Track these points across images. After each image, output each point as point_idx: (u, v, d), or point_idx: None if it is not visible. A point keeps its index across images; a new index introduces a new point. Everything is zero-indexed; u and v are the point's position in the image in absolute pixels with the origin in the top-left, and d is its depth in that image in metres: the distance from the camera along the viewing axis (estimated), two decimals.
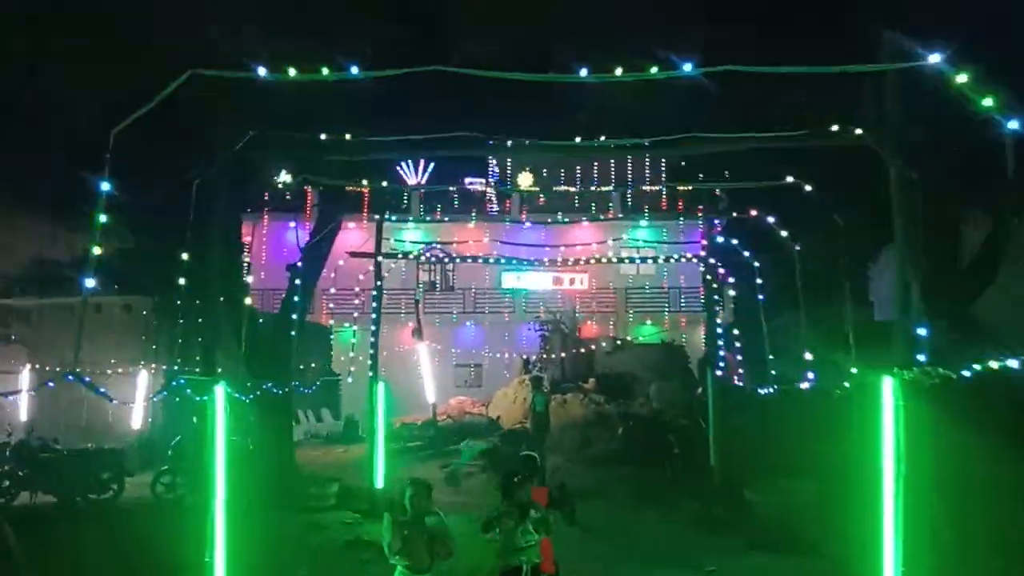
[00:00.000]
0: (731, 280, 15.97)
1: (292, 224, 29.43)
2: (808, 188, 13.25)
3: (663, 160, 32.77)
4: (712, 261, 14.60)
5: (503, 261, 21.89)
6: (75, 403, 22.36)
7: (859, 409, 12.21)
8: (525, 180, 33.22)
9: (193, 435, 19.23)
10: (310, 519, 11.72)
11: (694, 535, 10.45)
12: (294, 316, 14.86)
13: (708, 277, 12.63)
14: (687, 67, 7.65)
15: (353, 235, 32.42)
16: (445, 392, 26.86)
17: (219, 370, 11.75)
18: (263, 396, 14.18)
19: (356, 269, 30.76)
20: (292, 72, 7.75)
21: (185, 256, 10.28)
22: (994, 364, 6.45)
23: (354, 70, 8.00)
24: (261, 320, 16.23)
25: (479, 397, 26.86)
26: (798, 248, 19.74)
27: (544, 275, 31.97)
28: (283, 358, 14.40)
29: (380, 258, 14.38)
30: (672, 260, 24.93)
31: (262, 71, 7.77)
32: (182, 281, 10.82)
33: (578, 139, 11.28)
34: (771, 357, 14.92)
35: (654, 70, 7.67)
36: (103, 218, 8.33)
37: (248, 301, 14.22)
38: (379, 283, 12.53)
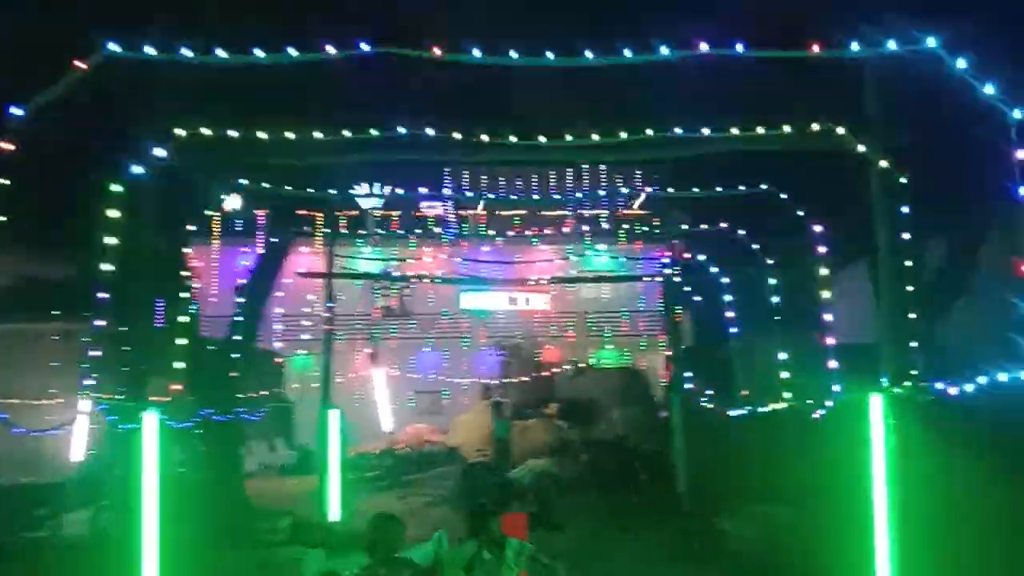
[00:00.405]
0: (695, 298, 15.64)
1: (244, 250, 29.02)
2: (783, 196, 12.97)
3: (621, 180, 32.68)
4: (674, 279, 14.25)
5: (462, 280, 21.28)
6: (12, 436, 21.15)
7: (838, 430, 11.92)
8: (480, 206, 32.86)
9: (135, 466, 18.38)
10: (260, 556, 10.96)
11: (666, 567, 9.94)
12: (242, 340, 14.13)
13: (670, 295, 12.24)
14: (663, 50, 7.24)
15: (307, 260, 31.90)
16: (403, 420, 26.15)
17: (151, 397, 11.00)
18: (209, 425, 13.43)
19: (310, 293, 30.16)
20: (222, 54, 7.17)
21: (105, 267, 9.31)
22: (1003, 377, 6.09)
23: (292, 52, 7.44)
24: (209, 346, 15.42)
25: (438, 424, 26.16)
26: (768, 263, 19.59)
27: (503, 295, 31.52)
28: (229, 384, 13.66)
29: (332, 279, 13.67)
30: (638, 277, 24.65)
31: (187, 52, 7.18)
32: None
33: (542, 138, 10.78)
34: (738, 377, 14.58)
35: (627, 53, 7.27)
36: None
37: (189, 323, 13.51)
38: (330, 304, 11.92)
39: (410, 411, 29.24)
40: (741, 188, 12.23)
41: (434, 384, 30.51)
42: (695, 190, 12.73)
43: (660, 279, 20.77)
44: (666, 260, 33.45)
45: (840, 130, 8.20)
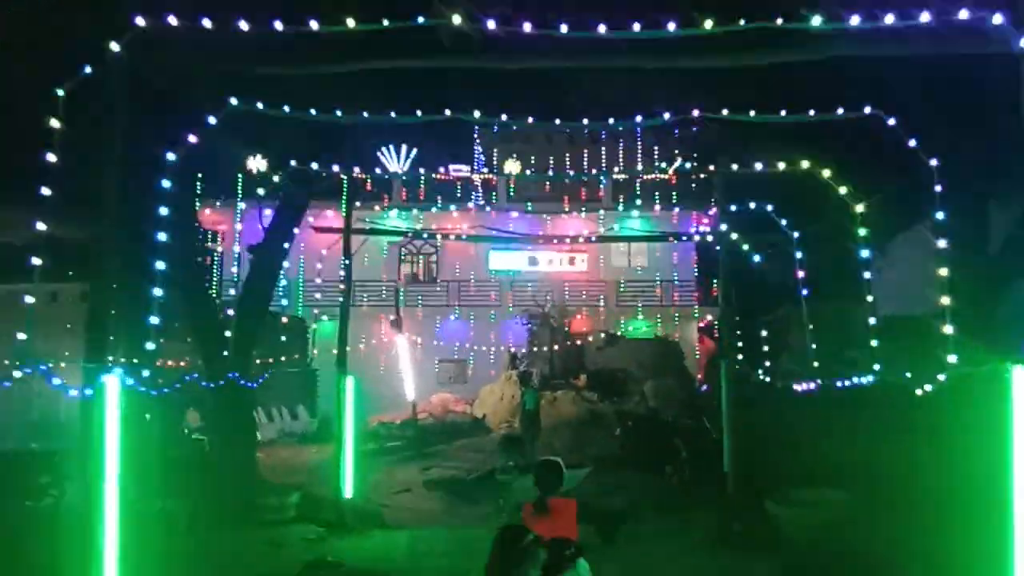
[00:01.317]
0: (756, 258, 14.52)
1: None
2: (827, 173, 11.81)
3: (656, 148, 31.37)
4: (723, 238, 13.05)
5: (493, 239, 20.27)
6: (25, 399, 20.72)
7: (912, 408, 10.83)
8: (512, 167, 31.72)
9: (145, 433, 17.72)
10: (265, 535, 10.14)
11: (714, 557, 8.93)
12: (255, 303, 13.25)
13: (720, 253, 11.10)
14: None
15: (331, 224, 31.06)
16: (427, 389, 25.37)
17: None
18: (220, 391, 12.62)
19: (338, 262, 29.33)
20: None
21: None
22: None
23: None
24: (227, 308, 14.58)
25: (463, 394, 25.35)
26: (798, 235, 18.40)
27: (537, 254, 30.50)
28: (243, 349, 12.81)
29: (352, 236, 12.65)
30: (674, 241, 23.44)
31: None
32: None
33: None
34: (813, 347, 13.49)
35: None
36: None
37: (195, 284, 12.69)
38: (347, 262, 10.96)
39: (435, 380, 28.52)
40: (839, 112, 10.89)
41: (460, 352, 29.68)
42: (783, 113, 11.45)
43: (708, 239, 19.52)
44: (704, 227, 32.53)
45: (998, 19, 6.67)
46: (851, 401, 14.99)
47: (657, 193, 30.77)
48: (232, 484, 11.76)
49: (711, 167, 11.05)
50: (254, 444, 13.32)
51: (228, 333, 12.92)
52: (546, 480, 5.12)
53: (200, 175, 24.84)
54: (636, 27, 6.26)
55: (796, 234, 11.25)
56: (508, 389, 21.85)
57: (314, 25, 6.59)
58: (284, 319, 26.38)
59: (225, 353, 12.62)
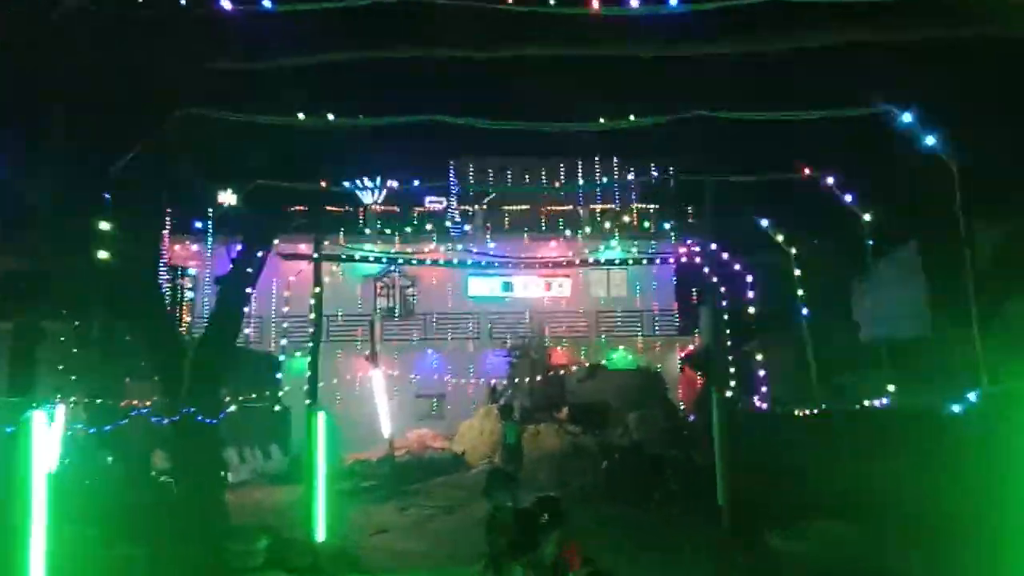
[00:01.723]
0: (722, 289, 14.11)
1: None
2: (830, 181, 11.49)
3: (633, 174, 31.18)
4: (710, 264, 12.67)
5: (471, 264, 19.82)
6: None
7: (920, 433, 10.39)
8: (488, 200, 31.36)
9: (106, 478, 16.89)
10: None
11: None
12: (220, 337, 12.62)
13: (709, 274, 10.62)
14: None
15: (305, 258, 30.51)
16: (405, 425, 24.65)
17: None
18: (184, 430, 11.94)
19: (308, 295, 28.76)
20: None
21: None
22: None
23: None
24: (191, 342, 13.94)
25: (442, 430, 24.66)
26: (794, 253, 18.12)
27: (517, 279, 30.01)
28: (208, 384, 12.14)
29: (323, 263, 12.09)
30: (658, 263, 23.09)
31: None
32: None
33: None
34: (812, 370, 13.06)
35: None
36: None
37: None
38: (318, 289, 10.40)
39: (412, 415, 27.81)
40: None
41: (438, 387, 29.03)
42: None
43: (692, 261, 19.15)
44: (684, 251, 32.29)
45: None
46: (852, 427, 14.55)
47: (634, 223, 30.50)
48: (198, 529, 11.05)
49: (698, 177, 10.61)
50: (222, 485, 12.62)
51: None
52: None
53: (168, 210, 24.38)
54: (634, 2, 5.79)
55: (793, 251, 10.87)
56: (488, 423, 21.24)
57: None
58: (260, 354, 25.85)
59: (188, 388, 11.97)
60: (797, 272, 16.08)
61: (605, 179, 29.87)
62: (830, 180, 11.56)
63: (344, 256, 19.76)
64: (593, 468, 15.74)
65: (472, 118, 9.83)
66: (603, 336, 30.16)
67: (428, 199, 31.14)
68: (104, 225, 7.53)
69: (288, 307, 26.92)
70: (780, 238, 10.35)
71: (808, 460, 13.39)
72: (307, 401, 10.76)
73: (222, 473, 12.37)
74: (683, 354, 31.33)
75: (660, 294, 30.89)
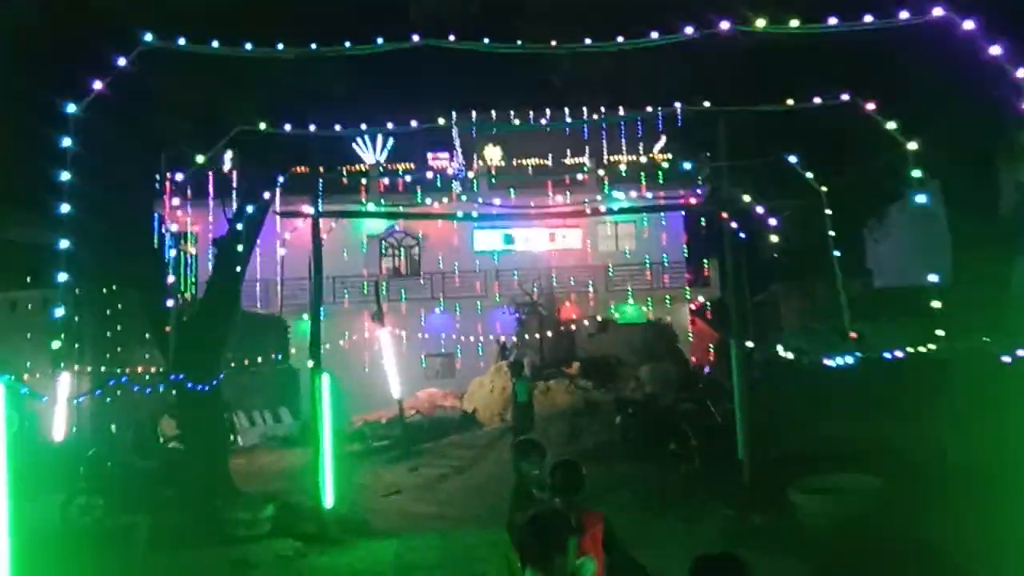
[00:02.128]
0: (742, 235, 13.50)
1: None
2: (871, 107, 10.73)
3: (640, 127, 30.41)
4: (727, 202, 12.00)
5: (477, 217, 19.31)
6: None
7: (953, 384, 9.96)
8: (493, 153, 30.72)
9: (112, 446, 16.66)
10: (234, 553, 9.14)
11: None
12: (220, 299, 12.23)
13: (725, 219, 9.93)
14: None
15: (309, 222, 30.00)
16: (414, 384, 24.38)
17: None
18: (188, 394, 11.64)
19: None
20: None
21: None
22: None
23: None
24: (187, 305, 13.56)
25: (452, 388, 24.38)
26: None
27: (524, 231, 29.49)
28: (211, 348, 11.80)
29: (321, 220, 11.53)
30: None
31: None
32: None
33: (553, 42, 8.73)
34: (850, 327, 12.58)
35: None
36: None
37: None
38: (318, 242, 9.93)
39: (422, 375, 27.56)
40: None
41: (447, 345, 28.71)
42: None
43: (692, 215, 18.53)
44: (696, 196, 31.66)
45: None
46: (877, 378, 14.13)
47: (643, 173, 29.76)
48: (202, 496, 10.79)
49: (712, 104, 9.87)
50: (226, 450, 12.34)
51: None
52: (569, 485, 4.17)
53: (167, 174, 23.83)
54: None
55: (824, 189, 10.21)
56: (499, 380, 20.92)
57: None
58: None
59: (181, 354, 11.62)
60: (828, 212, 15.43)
61: (614, 122, 28.97)
62: (870, 106, 10.76)
63: (343, 212, 19.11)
64: (607, 424, 15.40)
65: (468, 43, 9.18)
66: (612, 290, 29.72)
67: (430, 155, 30.53)
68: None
69: (295, 269, 26.50)
70: (810, 175, 9.71)
71: (823, 412, 13.00)
72: (310, 363, 10.30)
73: (230, 437, 12.05)
74: (693, 306, 30.95)
75: (669, 245, 30.35)
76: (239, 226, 12.42)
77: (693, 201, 31.12)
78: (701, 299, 30.73)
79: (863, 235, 28.14)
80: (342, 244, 29.44)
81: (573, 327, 24.79)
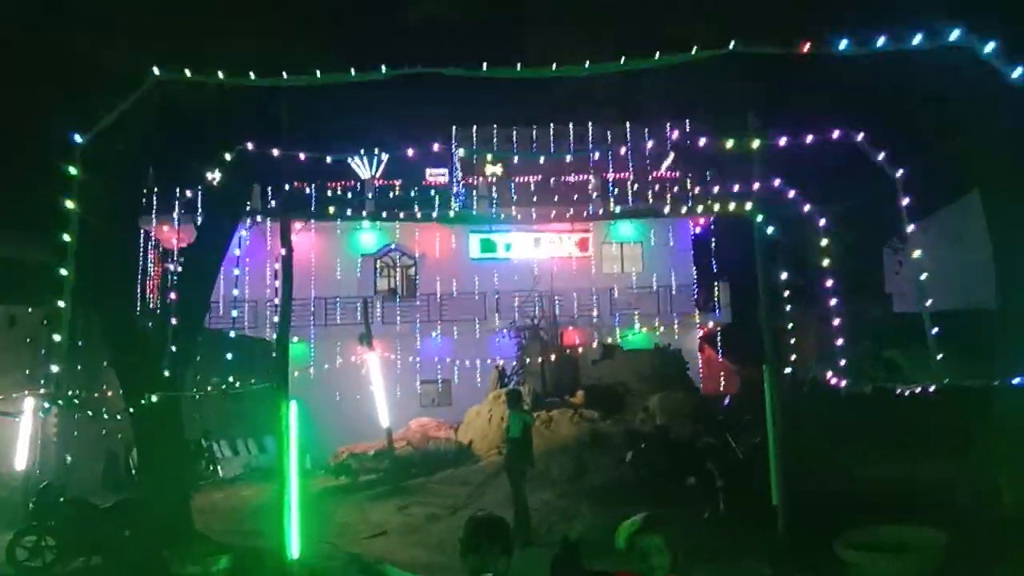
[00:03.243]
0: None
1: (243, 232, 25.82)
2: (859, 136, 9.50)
3: (648, 144, 29.17)
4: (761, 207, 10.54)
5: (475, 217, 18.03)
6: None
7: None
8: (493, 170, 29.47)
9: (67, 479, 15.23)
10: None
11: None
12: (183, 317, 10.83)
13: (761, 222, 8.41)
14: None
15: (300, 237, 28.71)
16: (408, 413, 22.96)
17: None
18: (143, 421, 10.24)
19: (307, 277, 26.99)
20: None
21: None
22: None
23: None
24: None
25: (448, 418, 22.90)
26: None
27: (527, 236, 28.18)
28: (171, 367, 10.40)
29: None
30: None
31: None
32: None
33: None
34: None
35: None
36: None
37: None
38: (286, 243, 8.59)
39: (417, 403, 26.12)
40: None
41: (444, 372, 27.27)
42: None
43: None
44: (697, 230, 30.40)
45: None
46: (903, 409, 12.74)
47: (651, 192, 28.52)
48: (156, 540, 9.34)
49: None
50: (187, 485, 10.86)
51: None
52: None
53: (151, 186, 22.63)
54: None
55: (900, 172, 8.77)
56: (497, 410, 19.48)
57: None
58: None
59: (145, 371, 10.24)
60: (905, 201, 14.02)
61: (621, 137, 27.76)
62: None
63: (313, 213, 17.87)
64: (616, 459, 13.93)
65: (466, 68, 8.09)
66: (617, 314, 28.33)
67: (429, 171, 29.32)
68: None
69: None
70: (881, 156, 8.29)
71: (861, 448, 11.61)
72: (273, 384, 8.90)
73: (206, 467, 10.61)
74: (703, 332, 29.55)
75: (678, 268, 29.01)
76: (212, 237, 11.10)
77: (698, 228, 29.97)
78: (711, 324, 29.36)
79: (881, 256, 26.87)
80: (334, 263, 28.16)
81: (576, 353, 23.39)
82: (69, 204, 6.29)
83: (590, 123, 27.16)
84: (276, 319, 24.99)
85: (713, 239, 29.57)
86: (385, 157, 28.78)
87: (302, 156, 8.61)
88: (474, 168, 29.38)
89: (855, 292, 23.98)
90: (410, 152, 10.48)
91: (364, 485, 16.51)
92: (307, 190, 27.22)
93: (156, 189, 23.96)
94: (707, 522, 9.94)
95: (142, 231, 22.50)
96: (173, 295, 10.99)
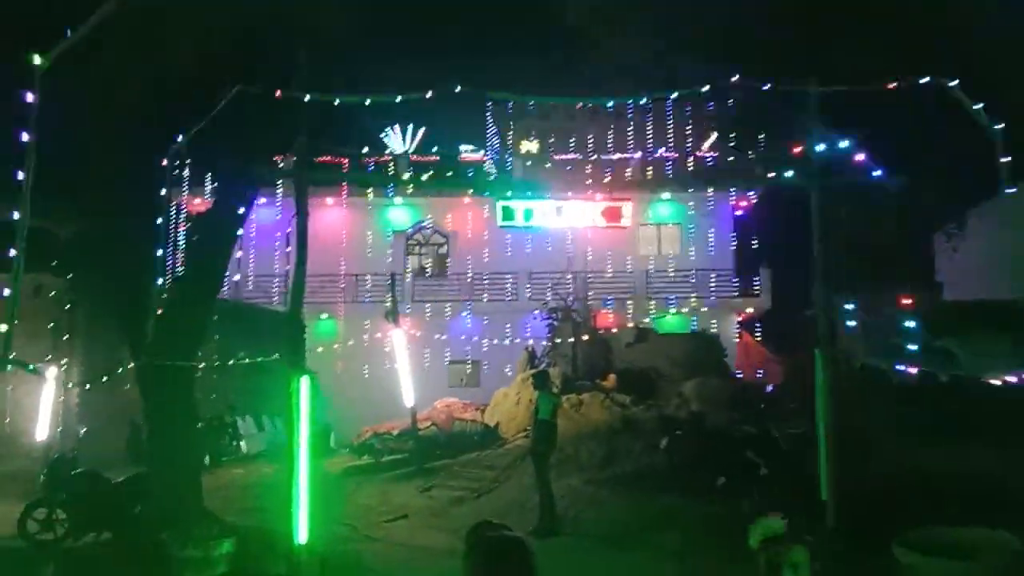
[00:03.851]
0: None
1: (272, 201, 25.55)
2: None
3: (690, 123, 28.24)
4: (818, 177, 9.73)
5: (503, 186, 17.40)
6: None
7: None
8: (529, 147, 28.75)
9: (81, 451, 14.89)
10: None
11: None
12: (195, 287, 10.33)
13: (815, 200, 7.56)
14: None
15: (331, 213, 28.33)
16: (437, 393, 22.45)
17: None
18: (153, 392, 9.80)
19: (338, 254, 26.60)
20: None
21: None
22: None
23: None
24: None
25: (477, 399, 22.35)
26: None
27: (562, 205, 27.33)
28: (183, 339, 9.92)
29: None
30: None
31: None
32: None
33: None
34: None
35: None
36: None
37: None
38: (300, 203, 8.00)
39: (446, 382, 25.65)
40: None
41: (473, 352, 26.75)
42: None
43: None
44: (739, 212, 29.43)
45: None
46: (955, 399, 11.93)
47: (691, 170, 27.64)
48: (158, 523, 8.88)
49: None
50: (198, 461, 10.41)
51: None
52: None
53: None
54: None
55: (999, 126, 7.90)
56: (525, 392, 18.85)
57: None
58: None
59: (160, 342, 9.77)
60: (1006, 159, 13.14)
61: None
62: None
63: (333, 177, 17.32)
64: (649, 446, 13.23)
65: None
66: (653, 296, 27.56)
67: (463, 147, 28.68)
68: None
69: (318, 263, 24.85)
70: (980, 107, 7.40)
71: (910, 438, 10.81)
72: (285, 356, 8.37)
73: (192, 447, 10.13)
74: (741, 318, 28.64)
75: (717, 250, 28.10)
76: (227, 203, 10.56)
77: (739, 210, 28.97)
78: (750, 311, 28.44)
79: (932, 242, 25.71)
80: (365, 239, 27.73)
81: (609, 336, 22.67)
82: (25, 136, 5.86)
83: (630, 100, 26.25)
84: (319, 292, 25.09)
85: (755, 222, 28.65)
86: (420, 132, 28.30)
87: (308, 97, 7.91)
88: (510, 145, 28.70)
89: (905, 278, 22.98)
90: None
91: (387, 466, 16.02)
92: (342, 166, 26.84)
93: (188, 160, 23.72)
94: (747, 517, 9.22)
95: (173, 203, 22.21)
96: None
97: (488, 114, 28.76)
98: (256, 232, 25.41)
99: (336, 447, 20.79)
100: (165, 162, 7.64)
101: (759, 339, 28.70)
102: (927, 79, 8.41)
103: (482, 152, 29.15)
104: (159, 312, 9.18)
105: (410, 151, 28.70)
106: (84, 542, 11.09)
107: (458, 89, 6.96)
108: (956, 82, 8.10)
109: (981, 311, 16.14)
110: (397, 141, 28.78)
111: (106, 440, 18.09)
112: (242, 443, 20.38)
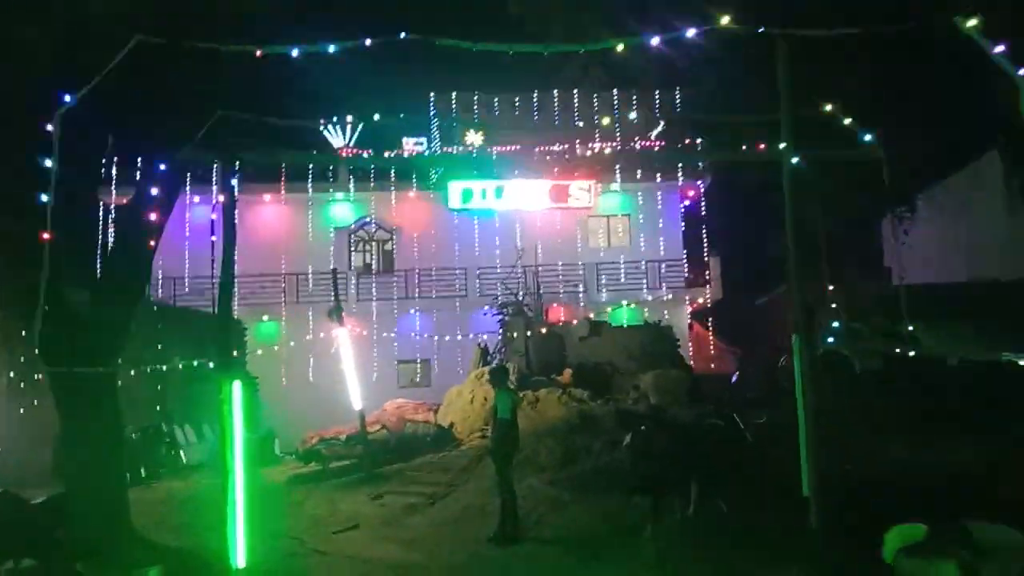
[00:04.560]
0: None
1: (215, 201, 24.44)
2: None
3: (635, 110, 27.89)
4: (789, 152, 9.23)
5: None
6: None
7: None
8: (473, 139, 28.05)
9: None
10: None
11: None
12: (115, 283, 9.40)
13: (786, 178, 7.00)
14: None
15: (270, 210, 27.27)
16: (385, 394, 21.64)
17: None
18: (65, 400, 8.88)
19: (278, 252, 25.60)
20: None
21: None
22: None
23: None
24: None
25: (429, 399, 21.61)
26: None
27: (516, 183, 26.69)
28: (102, 342, 9.00)
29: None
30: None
31: None
32: None
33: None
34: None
35: None
36: None
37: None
38: (231, 196, 7.20)
39: (395, 383, 24.88)
40: None
41: (423, 351, 25.99)
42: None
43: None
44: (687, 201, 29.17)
45: None
46: (922, 386, 11.63)
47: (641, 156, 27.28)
48: (80, 543, 7.99)
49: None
50: (119, 480, 9.42)
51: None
52: None
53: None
54: None
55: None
56: (480, 390, 18.20)
57: None
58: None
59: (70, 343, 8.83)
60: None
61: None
62: None
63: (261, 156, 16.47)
64: (609, 443, 12.65)
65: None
66: (604, 289, 27.12)
67: (406, 140, 27.82)
68: None
69: (257, 263, 23.82)
70: (1000, 49, 6.90)
71: (903, 429, 10.43)
72: (214, 360, 7.58)
73: (116, 462, 9.21)
74: (692, 308, 28.37)
75: (667, 241, 27.76)
76: (146, 189, 9.62)
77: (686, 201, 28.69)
78: (701, 301, 28.20)
79: (879, 229, 25.71)
80: (306, 237, 26.76)
81: (563, 329, 22.13)
82: None
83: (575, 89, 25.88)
84: (260, 293, 23.97)
85: (704, 211, 28.44)
86: (359, 127, 27.37)
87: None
88: (453, 137, 27.97)
89: (852, 265, 22.85)
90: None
91: (335, 472, 15.20)
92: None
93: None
94: (717, 517, 8.69)
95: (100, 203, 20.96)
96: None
97: (431, 105, 28.02)
98: (190, 232, 24.24)
99: (281, 454, 19.88)
100: (50, 127, 6.72)
101: (711, 329, 28.50)
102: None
103: (425, 144, 28.35)
104: (46, 309, 8.14)
105: (350, 144, 27.77)
106: (3, 570, 10.14)
107: (403, 35, 6.31)
108: (974, 21, 7.15)
109: (945, 294, 16.02)
110: (336, 138, 27.82)
111: (28, 458, 16.89)
112: (181, 453, 19.32)
